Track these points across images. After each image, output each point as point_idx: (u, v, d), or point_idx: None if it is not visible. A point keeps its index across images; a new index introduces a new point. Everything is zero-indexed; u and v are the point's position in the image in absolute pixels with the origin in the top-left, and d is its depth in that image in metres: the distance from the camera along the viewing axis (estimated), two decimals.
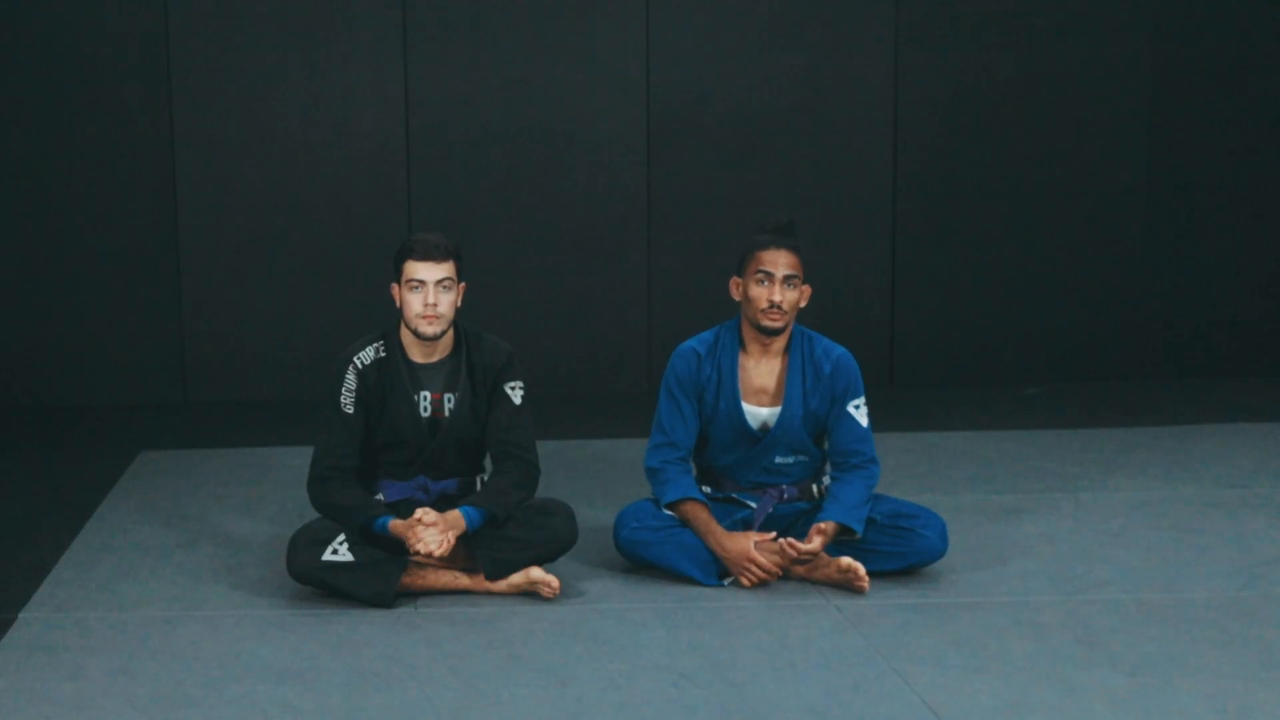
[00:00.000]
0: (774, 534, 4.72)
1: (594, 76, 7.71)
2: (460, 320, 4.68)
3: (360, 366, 4.61)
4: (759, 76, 7.76)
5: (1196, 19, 7.90)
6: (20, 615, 4.44)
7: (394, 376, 4.62)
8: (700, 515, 4.68)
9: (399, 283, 4.59)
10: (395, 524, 4.49)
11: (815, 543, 4.60)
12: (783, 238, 4.70)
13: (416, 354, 4.65)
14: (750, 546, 4.63)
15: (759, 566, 4.63)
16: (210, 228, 7.62)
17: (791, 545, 4.60)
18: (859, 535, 4.67)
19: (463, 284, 4.64)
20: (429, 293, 4.52)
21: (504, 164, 7.72)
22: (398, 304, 4.61)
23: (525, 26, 7.66)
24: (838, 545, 4.68)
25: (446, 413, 4.63)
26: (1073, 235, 7.98)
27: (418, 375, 4.64)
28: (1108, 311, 8.05)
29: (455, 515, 4.50)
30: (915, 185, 7.90)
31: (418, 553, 4.43)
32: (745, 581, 4.64)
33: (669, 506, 4.73)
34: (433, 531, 4.43)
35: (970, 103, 7.86)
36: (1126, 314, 8.06)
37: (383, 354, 4.63)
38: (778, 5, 7.74)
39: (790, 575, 4.69)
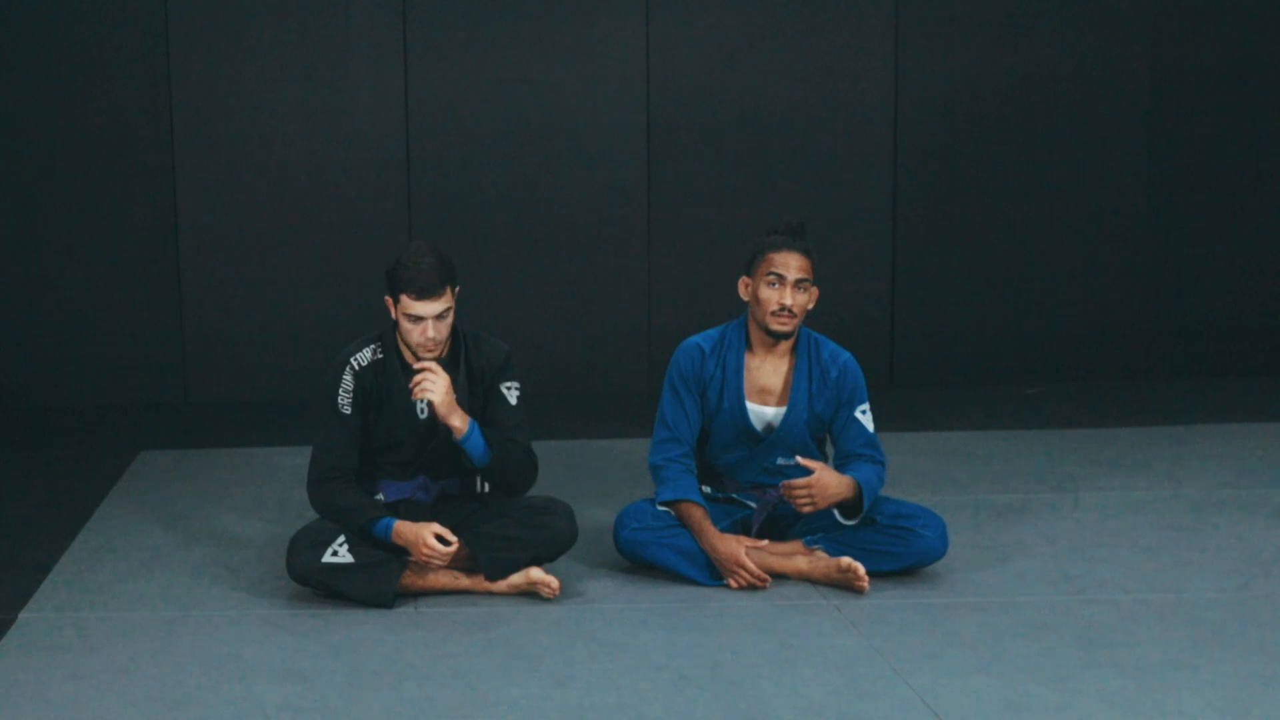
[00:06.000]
0: (766, 541, 4.72)
1: (594, 76, 7.71)
2: (458, 322, 4.65)
3: (357, 368, 4.60)
4: (759, 77, 7.76)
5: (1196, 19, 7.91)
6: (20, 615, 4.44)
7: (391, 379, 4.61)
8: (694, 515, 4.68)
9: (395, 302, 4.54)
10: (401, 528, 4.48)
11: (815, 467, 4.55)
12: (795, 240, 4.70)
13: (414, 357, 4.63)
14: (740, 551, 4.63)
15: (748, 571, 4.63)
16: (210, 228, 7.62)
17: (786, 484, 4.56)
18: (865, 506, 4.62)
19: (457, 288, 4.60)
20: (428, 327, 4.50)
21: (504, 164, 7.72)
22: (393, 315, 4.57)
23: (525, 26, 7.66)
24: (838, 545, 4.67)
25: None
26: (1073, 236, 7.98)
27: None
28: (1108, 311, 8.05)
29: (461, 414, 4.49)
30: (915, 185, 7.90)
31: (425, 556, 4.45)
32: (732, 584, 4.65)
33: (664, 504, 4.74)
34: (434, 378, 4.44)
35: (970, 103, 7.86)
36: (1126, 314, 8.06)
37: (380, 356, 4.62)
38: (778, 5, 7.74)
39: (779, 574, 4.70)
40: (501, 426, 4.62)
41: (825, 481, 4.57)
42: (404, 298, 4.47)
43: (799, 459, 4.64)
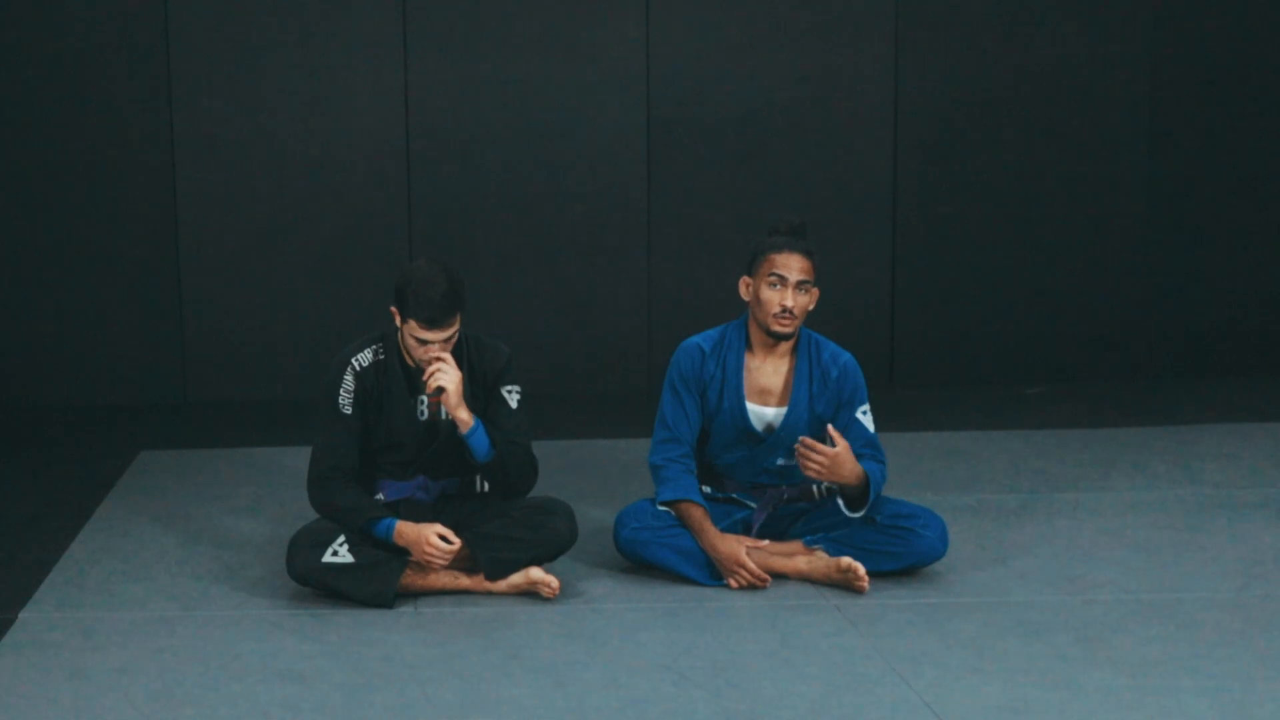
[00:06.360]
0: (766, 541, 4.73)
1: (594, 76, 7.71)
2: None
3: (358, 369, 4.60)
4: (759, 76, 7.76)
5: (1196, 18, 7.90)
6: (20, 615, 4.44)
7: (391, 380, 4.61)
8: (694, 515, 4.68)
9: (402, 319, 4.53)
10: (403, 528, 4.48)
11: (841, 444, 4.55)
12: (797, 240, 4.70)
13: (414, 360, 4.62)
14: (741, 551, 4.63)
15: (748, 571, 4.63)
16: (210, 228, 7.62)
17: (808, 444, 4.54)
18: (871, 497, 4.61)
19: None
20: (434, 349, 4.51)
21: (504, 164, 7.72)
22: (396, 323, 4.57)
23: (525, 26, 7.66)
24: (838, 545, 4.67)
25: (444, 416, 4.62)
26: (1073, 236, 7.98)
27: (415, 379, 4.63)
28: (1108, 311, 8.05)
29: (468, 409, 4.50)
30: (915, 185, 7.90)
31: (427, 556, 4.45)
32: (732, 584, 4.65)
33: (665, 504, 4.73)
34: (447, 368, 4.44)
35: (970, 102, 7.86)
36: (1126, 314, 8.06)
37: (381, 356, 4.62)
38: (778, 5, 7.74)
39: (779, 574, 4.70)
40: (502, 429, 4.62)
41: (842, 460, 4.55)
42: (411, 323, 4.48)
43: (830, 429, 4.59)
